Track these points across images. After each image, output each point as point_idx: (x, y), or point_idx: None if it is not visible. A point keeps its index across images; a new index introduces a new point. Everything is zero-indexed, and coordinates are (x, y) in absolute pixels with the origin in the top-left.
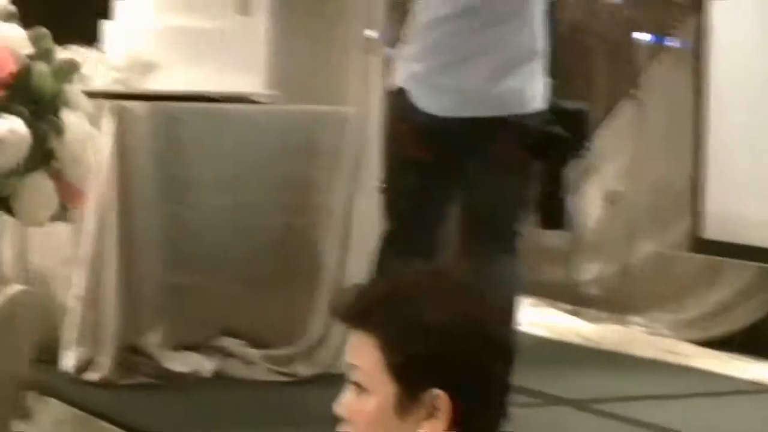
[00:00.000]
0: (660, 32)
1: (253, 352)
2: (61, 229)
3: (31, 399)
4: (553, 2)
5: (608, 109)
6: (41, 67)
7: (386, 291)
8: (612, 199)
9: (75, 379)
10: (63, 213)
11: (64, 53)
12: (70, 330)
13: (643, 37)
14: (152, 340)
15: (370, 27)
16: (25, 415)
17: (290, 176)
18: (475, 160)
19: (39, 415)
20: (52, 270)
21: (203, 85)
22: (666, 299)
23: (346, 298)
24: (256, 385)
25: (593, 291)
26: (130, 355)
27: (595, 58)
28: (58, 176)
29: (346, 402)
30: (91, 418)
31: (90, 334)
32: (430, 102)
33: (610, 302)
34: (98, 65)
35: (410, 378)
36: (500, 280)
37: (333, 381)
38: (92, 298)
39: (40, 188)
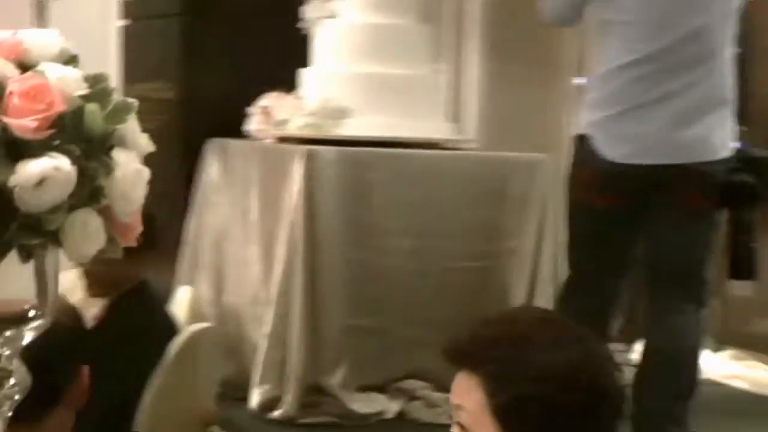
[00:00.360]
0: None
1: (438, 396)
2: (254, 268)
3: None
4: (745, 49)
5: None
6: (93, 108)
7: (494, 332)
8: None
9: (259, 416)
10: (114, 248)
11: (265, 100)
12: (257, 368)
13: None
14: (336, 380)
15: (580, 75)
16: None
17: (478, 221)
18: (658, 208)
19: None
20: (244, 308)
21: (394, 131)
22: None
23: (457, 339)
24: (440, 429)
25: None
26: (314, 394)
27: None
28: (106, 213)
29: None
30: None
31: (275, 373)
32: (610, 148)
33: None
34: (294, 110)
35: (512, 420)
36: (685, 331)
37: None
38: (278, 338)
39: (87, 224)
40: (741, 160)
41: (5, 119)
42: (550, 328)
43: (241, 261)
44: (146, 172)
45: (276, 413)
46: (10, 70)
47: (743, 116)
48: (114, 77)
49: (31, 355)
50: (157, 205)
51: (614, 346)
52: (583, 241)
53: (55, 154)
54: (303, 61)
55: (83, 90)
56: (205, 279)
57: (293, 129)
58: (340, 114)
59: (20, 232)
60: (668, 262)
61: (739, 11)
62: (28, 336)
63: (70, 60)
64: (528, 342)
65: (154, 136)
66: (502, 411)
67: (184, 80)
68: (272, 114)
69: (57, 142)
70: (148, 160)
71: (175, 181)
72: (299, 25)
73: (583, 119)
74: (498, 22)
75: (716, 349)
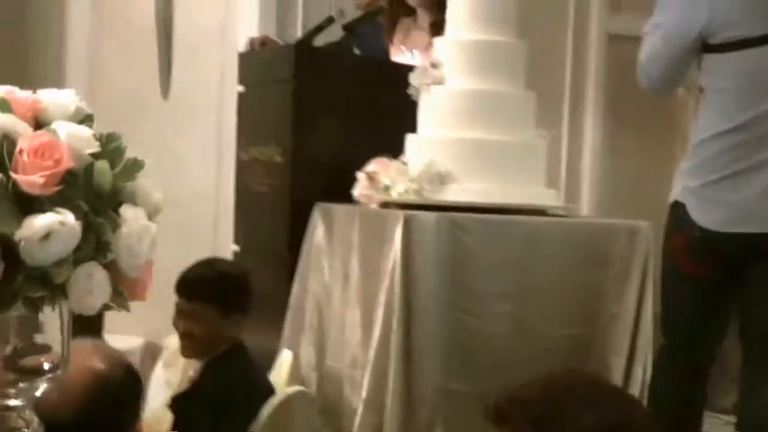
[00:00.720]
0: None
1: None
2: (355, 332)
3: None
4: None
5: None
6: (102, 166)
7: (532, 393)
8: None
9: None
10: (122, 302)
11: (371, 165)
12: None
13: None
14: None
15: None
16: None
17: (579, 286)
18: (753, 277)
19: None
20: (344, 372)
21: (495, 196)
22: None
23: (498, 399)
24: None
25: None
26: None
27: None
28: (113, 267)
29: None
30: None
31: None
32: (704, 216)
33: None
34: (398, 175)
35: None
36: None
37: None
38: (375, 401)
39: (92, 278)
40: None
41: (14, 175)
42: (588, 391)
43: (342, 325)
44: (153, 228)
45: None
46: (23, 128)
47: None
48: (231, 140)
49: (88, 407)
50: (264, 267)
51: (727, 418)
52: (675, 308)
53: (60, 209)
54: (412, 126)
55: (94, 148)
56: (307, 342)
57: (395, 194)
58: (441, 179)
59: (26, 284)
60: (764, 332)
61: None
62: (42, 387)
63: (85, 119)
64: (564, 404)
65: (264, 200)
66: None
67: (294, 144)
68: (377, 179)
69: (65, 197)
70: (258, 223)
71: (283, 244)
72: (408, 90)
73: (677, 186)
74: (613, 87)
75: None
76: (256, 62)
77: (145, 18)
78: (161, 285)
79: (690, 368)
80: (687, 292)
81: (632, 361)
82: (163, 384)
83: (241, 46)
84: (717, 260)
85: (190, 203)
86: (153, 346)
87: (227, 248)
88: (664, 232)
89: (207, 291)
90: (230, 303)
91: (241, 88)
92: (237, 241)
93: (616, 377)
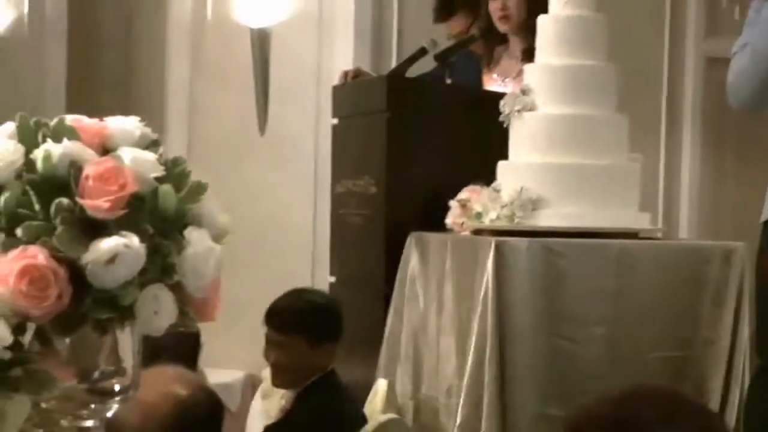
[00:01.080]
0: None
1: None
2: (450, 360)
3: None
4: None
5: None
6: (167, 189)
7: (606, 410)
8: None
9: None
10: (190, 322)
11: (463, 193)
12: None
13: None
14: None
15: None
16: None
17: (674, 309)
18: None
19: None
20: (439, 400)
21: (587, 220)
22: None
23: (575, 416)
24: None
25: None
26: None
27: None
28: (178, 288)
29: None
30: None
31: None
32: None
33: None
34: (490, 202)
35: None
36: None
37: None
38: (470, 429)
39: (158, 299)
40: None
41: (80, 200)
42: (662, 405)
43: (437, 353)
44: (218, 250)
45: None
46: (90, 154)
47: None
48: (326, 174)
49: (158, 426)
50: (360, 297)
51: None
52: None
53: (125, 232)
54: (504, 153)
55: (159, 172)
56: (403, 371)
57: (487, 221)
58: (533, 205)
59: (94, 306)
60: None
61: None
62: (113, 408)
63: (151, 144)
64: (636, 419)
65: (359, 231)
66: None
67: (388, 175)
68: (469, 207)
69: (130, 221)
70: (353, 254)
71: (378, 273)
72: (499, 118)
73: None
74: (711, 110)
75: None
76: (349, 94)
77: (242, 57)
78: (258, 317)
79: None
80: None
81: (729, 384)
82: (261, 413)
83: (336, 79)
84: None
85: (289, 237)
86: (253, 378)
87: (325, 280)
88: (757, 252)
89: (294, 321)
90: (319, 332)
91: (335, 121)
92: (333, 272)
93: (714, 401)
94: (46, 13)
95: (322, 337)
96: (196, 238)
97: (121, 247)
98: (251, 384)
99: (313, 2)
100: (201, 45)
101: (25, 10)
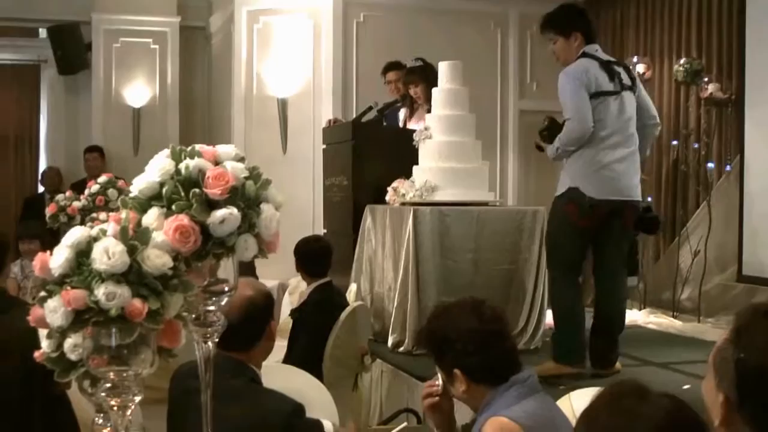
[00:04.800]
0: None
1: None
2: (389, 273)
3: (369, 361)
4: None
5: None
6: (250, 183)
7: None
8: (695, 253)
9: (392, 351)
10: (263, 253)
11: (395, 183)
12: (391, 325)
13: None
14: None
15: None
16: (365, 369)
17: (507, 243)
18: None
19: (374, 369)
20: (384, 294)
21: (461, 197)
22: (727, 308)
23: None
24: None
25: (686, 304)
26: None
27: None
28: (257, 235)
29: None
30: (398, 371)
31: (399, 327)
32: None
33: (695, 310)
34: (409, 188)
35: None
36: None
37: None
38: (401, 308)
39: (247, 242)
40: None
41: (206, 189)
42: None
43: (382, 269)
44: (277, 215)
45: (401, 348)
46: (209, 165)
47: None
48: (320, 174)
49: (245, 313)
50: (340, 240)
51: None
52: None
53: (230, 207)
54: (415, 161)
55: (245, 173)
56: (364, 279)
57: (408, 198)
58: (432, 189)
59: (213, 247)
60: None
61: None
62: (225, 299)
63: (240, 159)
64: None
65: (338, 205)
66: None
67: (353, 175)
68: (398, 190)
69: (231, 200)
70: (335, 217)
71: (349, 228)
72: (413, 143)
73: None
74: (522, 139)
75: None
76: (332, 132)
77: (272, 113)
78: (287, 250)
79: (574, 280)
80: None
81: (537, 283)
82: (288, 304)
83: (324, 123)
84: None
85: (301, 207)
86: (282, 284)
87: (320, 231)
88: (554, 206)
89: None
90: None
91: (324, 146)
92: (324, 227)
93: (528, 294)
94: (168, 92)
95: (324, 261)
96: (266, 209)
97: (227, 214)
98: (282, 287)
99: (310, 83)
100: (250, 107)
101: (157, 91)
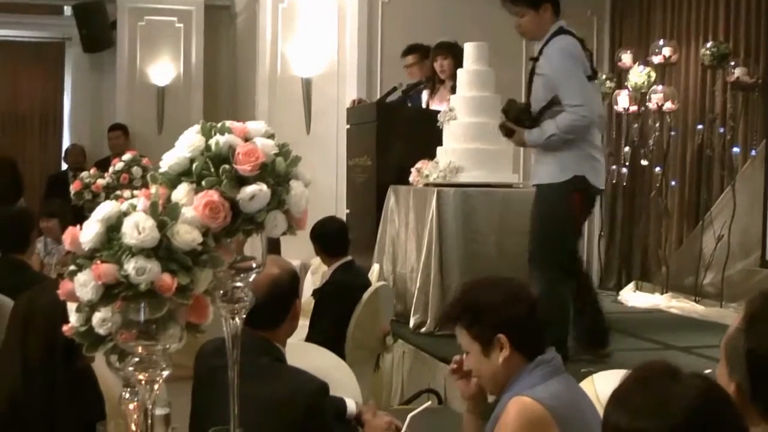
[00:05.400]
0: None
1: None
2: (412, 254)
3: (391, 341)
4: None
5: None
6: (280, 159)
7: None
8: (719, 238)
9: (414, 331)
10: (292, 230)
11: (418, 164)
12: (413, 306)
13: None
14: None
15: None
16: (387, 349)
17: (527, 223)
18: None
19: (396, 349)
20: (407, 275)
21: (485, 179)
22: (750, 294)
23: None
24: None
25: (709, 289)
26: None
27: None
28: (287, 212)
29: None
30: (420, 352)
31: (422, 308)
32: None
33: (718, 295)
34: (433, 169)
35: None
36: None
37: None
38: (423, 290)
39: (276, 218)
40: None
41: (235, 165)
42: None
43: (405, 249)
44: (307, 193)
45: (422, 329)
46: (239, 141)
47: None
48: (343, 155)
49: (270, 291)
50: (363, 220)
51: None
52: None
53: (260, 183)
54: (440, 142)
55: (275, 150)
56: (387, 260)
57: (432, 179)
58: (456, 170)
59: (243, 223)
60: None
61: None
62: (253, 276)
63: (270, 136)
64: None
65: (362, 185)
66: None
67: (377, 155)
68: (422, 171)
69: (261, 176)
70: (359, 197)
71: (372, 208)
72: (438, 124)
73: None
74: None
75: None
76: (355, 112)
77: (296, 93)
78: (309, 229)
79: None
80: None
81: None
82: (311, 283)
83: (348, 104)
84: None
85: (325, 188)
86: (305, 263)
87: (343, 211)
88: (550, 194)
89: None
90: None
91: (348, 127)
92: (348, 207)
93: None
94: (192, 71)
95: (344, 239)
96: (295, 186)
97: (257, 191)
98: (304, 267)
99: (335, 63)
100: (274, 87)
101: (181, 70)
